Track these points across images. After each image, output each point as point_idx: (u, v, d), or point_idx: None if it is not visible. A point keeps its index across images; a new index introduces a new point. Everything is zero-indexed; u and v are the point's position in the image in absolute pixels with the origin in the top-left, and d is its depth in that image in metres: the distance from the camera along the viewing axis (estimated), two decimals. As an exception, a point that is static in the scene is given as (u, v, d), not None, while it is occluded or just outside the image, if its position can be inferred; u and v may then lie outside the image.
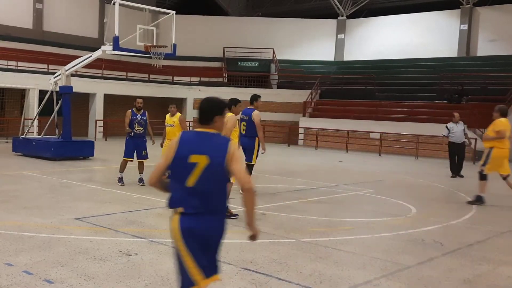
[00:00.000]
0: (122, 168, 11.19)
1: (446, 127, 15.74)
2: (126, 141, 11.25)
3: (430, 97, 26.35)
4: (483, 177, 10.33)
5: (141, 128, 11.27)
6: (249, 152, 10.21)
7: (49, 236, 6.50)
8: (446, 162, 20.60)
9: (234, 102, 8.37)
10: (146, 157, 11.34)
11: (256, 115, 10.01)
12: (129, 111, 11.28)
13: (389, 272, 5.64)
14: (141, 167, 11.27)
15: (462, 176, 15.30)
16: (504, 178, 10.26)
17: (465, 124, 15.83)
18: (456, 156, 15.61)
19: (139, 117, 11.28)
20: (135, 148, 11.22)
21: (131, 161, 11.27)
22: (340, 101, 28.07)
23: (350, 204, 10.34)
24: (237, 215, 7.73)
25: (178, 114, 11.29)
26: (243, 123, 10.28)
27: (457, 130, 15.48)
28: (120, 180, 11.07)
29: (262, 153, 10.42)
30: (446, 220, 8.64)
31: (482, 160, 10.47)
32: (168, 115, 11.51)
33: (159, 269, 5.36)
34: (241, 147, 10.05)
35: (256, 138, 10.11)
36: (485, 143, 10.53)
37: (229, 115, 7.91)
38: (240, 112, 8.48)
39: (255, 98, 10.31)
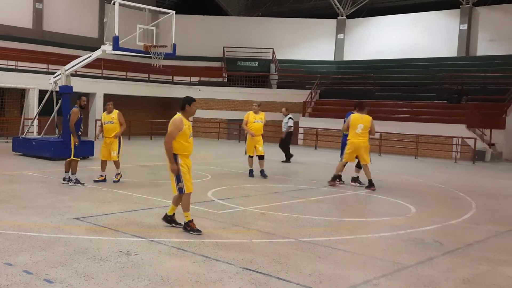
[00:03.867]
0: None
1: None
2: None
3: (430, 96, 26.36)
4: None
5: None
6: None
7: (49, 235, 6.50)
8: (447, 162, 20.68)
9: (188, 101, 7.11)
10: None
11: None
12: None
13: (389, 271, 5.65)
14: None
15: (289, 161, 17.52)
16: None
17: (290, 118, 18.29)
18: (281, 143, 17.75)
19: None
20: None
21: None
22: (340, 101, 28.04)
23: (350, 204, 10.35)
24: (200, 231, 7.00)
25: (116, 110, 11.48)
26: None
27: (283, 122, 18.22)
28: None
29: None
30: (446, 220, 8.64)
31: None
32: (104, 113, 11.60)
33: (159, 269, 5.36)
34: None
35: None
36: None
37: (175, 117, 7.06)
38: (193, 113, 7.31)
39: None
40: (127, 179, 11.87)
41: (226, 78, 33.27)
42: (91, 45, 25.60)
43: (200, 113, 30.86)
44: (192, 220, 7.03)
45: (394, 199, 10.64)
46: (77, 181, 10.74)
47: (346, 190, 11.65)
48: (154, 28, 16.29)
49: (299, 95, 29.58)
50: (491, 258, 6.38)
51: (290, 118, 18.22)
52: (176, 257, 5.84)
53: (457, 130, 22.31)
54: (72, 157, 10.81)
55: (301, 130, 27.70)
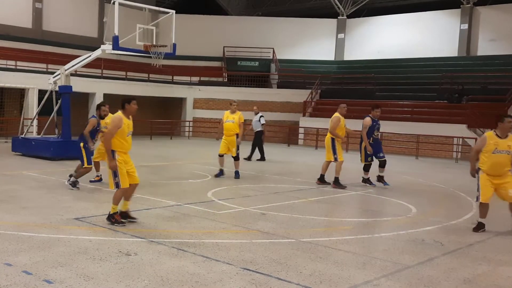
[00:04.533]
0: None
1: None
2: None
3: (431, 96, 26.35)
4: None
5: None
6: (361, 153, 12.37)
7: (49, 236, 6.49)
8: (447, 162, 20.67)
9: (128, 100, 7.42)
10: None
11: (365, 121, 12.13)
12: None
13: (389, 272, 5.64)
14: None
15: (250, 159, 17.46)
16: None
17: (262, 116, 18.13)
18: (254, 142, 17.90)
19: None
20: None
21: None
22: (340, 101, 27.84)
23: (350, 204, 10.33)
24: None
25: (110, 114, 10.19)
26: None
27: (254, 121, 17.89)
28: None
29: (369, 153, 12.10)
30: (446, 220, 8.63)
31: None
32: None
33: (159, 269, 5.34)
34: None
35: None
36: None
37: (115, 115, 7.44)
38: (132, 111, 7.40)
39: (372, 107, 12.40)
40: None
41: (226, 78, 33.25)
42: (90, 44, 25.59)
43: (200, 113, 30.88)
44: (118, 213, 7.29)
45: (394, 199, 10.62)
46: (74, 184, 10.25)
47: (346, 190, 11.63)
48: (154, 28, 16.28)
49: (299, 95, 29.56)
50: (492, 258, 6.37)
51: (261, 116, 18.19)
52: (176, 257, 5.82)
53: (458, 130, 22.30)
54: (85, 165, 10.44)
55: (301, 130, 27.68)
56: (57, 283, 4.82)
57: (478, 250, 6.80)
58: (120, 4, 14.75)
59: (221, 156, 12.97)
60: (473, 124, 22.76)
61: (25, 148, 16.47)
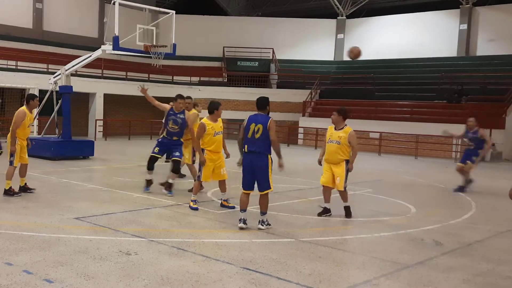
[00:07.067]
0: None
1: None
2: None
3: (430, 96, 26.37)
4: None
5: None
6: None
7: (49, 235, 6.50)
8: (447, 162, 20.68)
9: (32, 97, 9.59)
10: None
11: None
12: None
13: (389, 271, 5.65)
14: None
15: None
16: None
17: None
18: None
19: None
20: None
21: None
22: (340, 101, 27.99)
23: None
24: None
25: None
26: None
27: None
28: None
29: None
30: (445, 219, 8.65)
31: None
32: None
33: (159, 269, 5.36)
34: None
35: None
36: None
37: (20, 109, 9.38)
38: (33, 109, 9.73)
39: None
40: (127, 179, 11.87)
41: (226, 78, 33.27)
42: (91, 45, 25.60)
43: (200, 113, 30.89)
44: (11, 187, 9.02)
45: (394, 199, 10.64)
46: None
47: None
48: (154, 28, 16.31)
49: (299, 95, 29.59)
50: (491, 258, 6.38)
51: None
52: (176, 257, 5.84)
53: (457, 130, 22.21)
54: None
55: (301, 130, 27.70)
56: (58, 283, 4.84)
57: (477, 249, 6.81)
58: (120, 4, 14.79)
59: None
60: (472, 124, 22.77)
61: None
